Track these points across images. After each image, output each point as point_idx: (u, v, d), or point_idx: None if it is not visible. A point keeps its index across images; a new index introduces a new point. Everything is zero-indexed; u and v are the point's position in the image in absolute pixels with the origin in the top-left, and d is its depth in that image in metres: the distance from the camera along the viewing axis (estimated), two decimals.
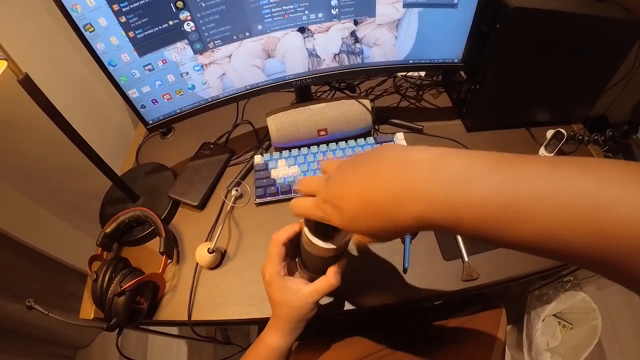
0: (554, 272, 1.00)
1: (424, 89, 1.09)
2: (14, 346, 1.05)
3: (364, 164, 0.42)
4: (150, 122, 0.90)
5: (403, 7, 0.82)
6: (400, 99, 1.08)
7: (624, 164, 0.29)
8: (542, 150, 0.92)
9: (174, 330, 1.26)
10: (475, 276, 0.79)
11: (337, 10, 0.82)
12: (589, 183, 0.28)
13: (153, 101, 0.87)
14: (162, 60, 0.82)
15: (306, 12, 0.81)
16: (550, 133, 0.94)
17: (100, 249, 0.88)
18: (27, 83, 0.70)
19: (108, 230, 0.88)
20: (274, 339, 0.62)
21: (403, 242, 0.83)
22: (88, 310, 0.87)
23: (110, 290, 0.77)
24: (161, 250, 0.84)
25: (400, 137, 0.97)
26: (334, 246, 0.52)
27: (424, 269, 0.81)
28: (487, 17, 0.83)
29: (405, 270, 0.80)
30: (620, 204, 0.26)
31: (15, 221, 1.08)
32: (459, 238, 0.83)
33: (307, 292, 0.59)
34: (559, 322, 1.32)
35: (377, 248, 0.84)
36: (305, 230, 0.53)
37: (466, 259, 0.81)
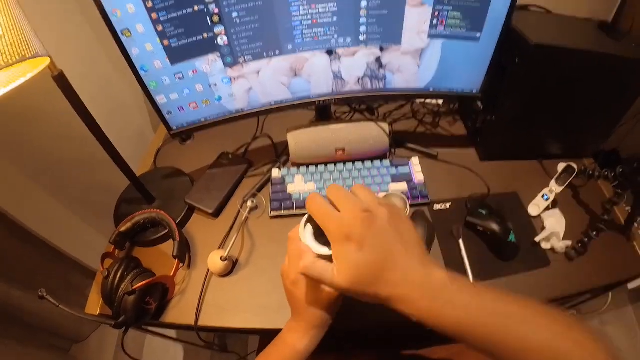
0: (559, 304, 1.02)
1: (441, 116, 1.12)
2: (11, 332, 1.05)
3: (401, 241, 0.45)
4: (175, 128, 0.92)
5: (428, 38, 0.85)
6: (417, 125, 1.10)
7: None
8: (552, 183, 0.94)
9: (172, 333, 1.26)
10: None
11: (365, 36, 0.84)
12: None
13: (179, 108, 0.89)
14: (193, 70, 0.84)
15: (335, 35, 0.84)
16: (561, 166, 0.96)
17: (113, 246, 0.89)
18: (61, 80, 0.72)
19: (123, 229, 0.89)
20: (300, 342, 0.58)
21: None
22: (94, 305, 0.88)
23: (121, 289, 0.78)
24: (174, 254, 0.85)
25: (415, 161, 0.99)
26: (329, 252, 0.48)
27: None
28: (507, 52, 0.86)
29: None
30: None
31: (26, 211, 1.08)
32: (467, 264, 0.85)
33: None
34: None
35: None
36: (306, 226, 0.52)
37: None
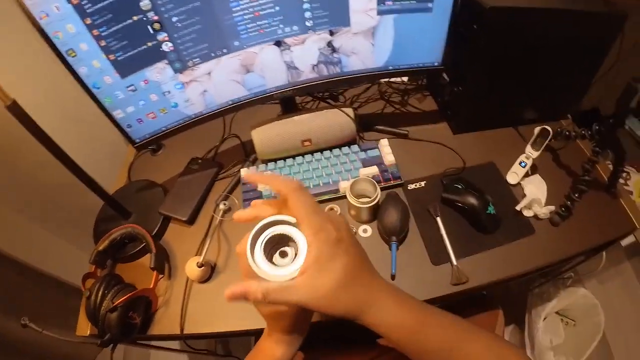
0: (549, 270, 0.98)
1: (409, 94, 1.08)
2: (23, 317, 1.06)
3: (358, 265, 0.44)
4: (137, 140, 0.91)
5: (377, 15, 0.82)
6: (384, 105, 1.07)
7: None
8: (528, 148, 0.90)
9: (176, 344, 1.27)
10: (464, 280, 0.78)
11: (311, 22, 0.82)
12: None
13: (138, 120, 0.88)
14: (144, 81, 0.83)
15: (280, 25, 0.82)
16: (536, 130, 0.92)
17: (94, 266, 0.89)
18: (15, 109, 0.71)
19: (101, 247, 0.89)
20: (277, 350, 0.54)
21: (390, 247, 0.82)
22: (84, 327, 0.88)
23: (103, 307, 0.78)
24: (152, 266, 0.84)
25: (384, 143, 0.96)
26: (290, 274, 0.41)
27: (413, 274, 0.81)
28: (464, 19, 0.83)
29: (393, 277, 0.80)
30: None
31: (12, 240, 1.09)
32: (447, 242, 0.82)
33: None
34: (561, 319, 1.29)
35: None
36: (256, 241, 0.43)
37: (454, 262, 0.80)
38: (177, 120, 0.91)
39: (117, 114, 0.86)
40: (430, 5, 0.81)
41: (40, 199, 1.15)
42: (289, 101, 1.01)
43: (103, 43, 0.75)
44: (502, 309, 0.95)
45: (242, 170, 0.99)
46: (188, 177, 1.02)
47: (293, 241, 0.43)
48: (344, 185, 0.90)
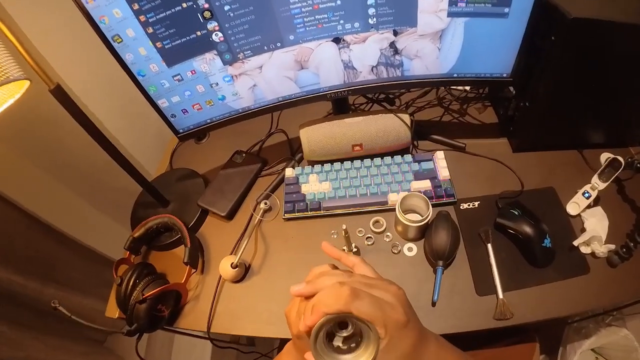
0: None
1: (469, 103, 0.94)
2: (50, 328, 1.05)
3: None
4: (181, 131, 0.83)
5: (447, 17, 0.69)
6: (443, 113, 0.94)
7: None
8: (595, 179, 0.76)
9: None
10: (509, 315, 0.67)
11: (374, 19, 0.70)
12: None
13: (183, 111, 0.80)
14: (191, 71, 0.74)
15: (341, 21, 0.70)
16: (604, 157, 0.77)
17: (128, 252, 0.83)
18: (59, 93, 0.65)
19: (136, 234, 0.83)
20: None
21: (435, 271, 0.71)
22: (114, 309, 0.83)
23: (132, 297, 0.73)
24: (185, 261, 0.78)
25: (440, 156, 0.84)
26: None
27: (455, 302, 0.70)
28: (541, 28, 0.68)
29: (434, 303, 0.69)
30: None
31: (60, 213, 1.07)
32: (496, 272, 0.71)
33: None
34: (596, 357, 1.15)
35: (407, 276, 0.73)
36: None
37: (501, 295, 0.69)
38: (223, 114, 0.82)
39: (162, 103, 0.78)
40: (506, 10, 0.67)
41: (87, 176, 1.10)
42: (341, 101, 0.89)
43: (150, 30, 0.66)
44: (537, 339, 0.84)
45: (286, 170, 0.89)
46: (230, 170, 0.93)
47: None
48: (393, 198, 0.79)
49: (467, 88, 0.94)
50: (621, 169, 0.73)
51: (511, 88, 0.84)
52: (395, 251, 0.76)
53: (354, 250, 0.76)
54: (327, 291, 0.38)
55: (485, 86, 0.88)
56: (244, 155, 0.96)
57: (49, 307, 1.08)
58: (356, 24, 0.71)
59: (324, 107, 0.95)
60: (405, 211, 0.76)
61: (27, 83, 0.60)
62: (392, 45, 0.73)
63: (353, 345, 0.38)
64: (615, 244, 0.70)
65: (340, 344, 0.39)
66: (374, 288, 0.39)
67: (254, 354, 0.98)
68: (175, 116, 0.80)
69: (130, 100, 1.02)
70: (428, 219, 0.73)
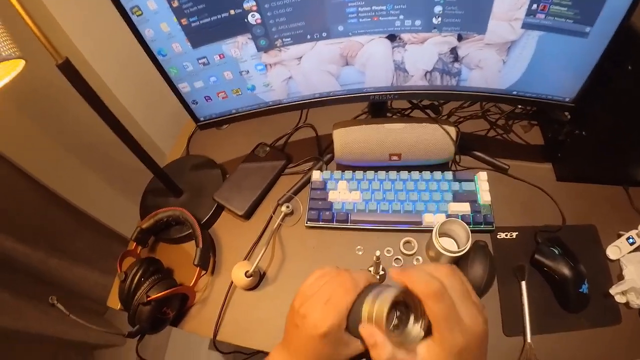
0: None
1: (515, 119, 0.81)
2: (47, 295, 0.97)
3: None
4: (202, 119, 0.70)
5: (521, 28, 0.55)
6: (488, 129, 0.80)
7: None
8: None
9: None
10: None
11: (439, 19, 0.56)
12: None
13: (206, 98, 0.66)
14: (220, 55, 0.60)
15: (401, 16, 0.56)
16: None
17: (135, 243, 0.72)
18: (67, 69, 0.52)
19: (144, 225, 0.72)
20: None
21: None
22: (116, 299, 0.74)
23: (136, 297, 0.62)
24: (195, 262, 0.67)
25: (483, 177, 0.71)
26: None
27: None
28: (617, 55, 0.55)
29: None
30: None
31: (68, 184, 0.95)
32: (526, 313, 0.61)
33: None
34: None
35: None
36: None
37: (529, 339, 0.59)
38: (250, 105, 0.68)
39: (183, 87, 0.64)
40: (587, 29, 0.53)
41: (98, 149, 0.99)
42: (381, 104, 0.76)
43: (176, 3, 0.52)
44: None
45: (314, 172, 0.76)
46: (252, 164, 0.80)
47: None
48: (429, 219, 0.67)
49: (520, 105, 0.80)
50: None
51: (567, 112, 0.72)
52: None
53: (381, 273, 0.65)
54: (423, 275, 0.35)
55: (543, 107, 0.75)
56: (267, 149, 0.82)
57: (51, 278, 0.99)
58: (417, 22, 0.56)
59: (356, 106, 0.81)
60: (441, 235, 0.65)
61: (21, 62, 0.47)
62: (453, 50, 0.59)
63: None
64: None
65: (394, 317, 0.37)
66: (464, 304, 0.34)
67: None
68: (196, 103, 0.67)
69: (149, 75, 0.89)
70: (466, 250, 0.62)
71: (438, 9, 0.55)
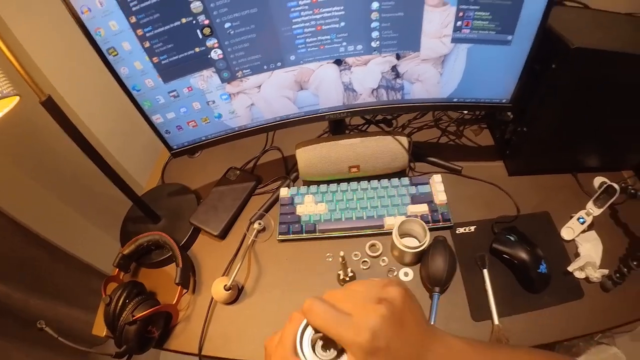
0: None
1: (465, 125, 0.92)
2: (33, 339, 0.99)
3: (418, 322, 0.35)
4: (175, 147, 0.78)
5: (451, 42, 0.66)
6: (440, 135, 0.91)
7: None
8: (590, 205, 0.74)
9: None
10: (504, 341, 0.64)
11: (378, 42, 0.66)
12: None
13: (178, 127, 0.75)
14: (188, 88, 0.69)
15: (344, 43, 0.66)
16: (598, 181, 0.76)
17: (117, 269, 0.78)
18: (50, 105, 0.60)
19: (126, 251, 0.78)
20: None
21: (431, 297, 0.68)
22: (100, 327, 0.78)
23: (122, 317, 0.68)
24: (177, 281, 0.73)
25: (437, 179, 0.80)
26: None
27: (450, 327, 0.66)
28: (542, 56, 0.66)
29: None
30: None
31: (47, 222, 1.00)
32: (491, 298, 0.68)
33: None
34: None
35: None
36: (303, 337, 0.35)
37: (496, 321, 0.66)
38: (218, 132, 0.77)
39: (156, 119, 0.73)
40: (509, 37, 0.64)
41: (76, 184, 1.04)
42: (339, 122, 0.85)
43: (147, 44, 0.62)
44: None
45: (281, 189, 0.85)
46: (224, 187, 0.88)
47: None
48: (390, 222, 0.76)
49: (465, 111, 0.91)
50: (616, 196, 0.71)
51: (509, 113, 0.82)
52: (391, 276, 0.73)
53: (350, 274, 0.72)
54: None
55: (484, 111, 0.86)
56: (237, 172, 0.91)
57: (33, 317, 1.02)
58: (359, 47, 0.67)
59: (319, 126, 0.91)
60: (402, 235, 0.73)
61: (16, 99, 0.55)
62: (394, 68, 0.70)
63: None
64: (609, 268, 0.68)
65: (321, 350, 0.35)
66: (346, 301, 0.34)
67: None
68: (169, 132, 0.75)
69: (123, 111, 0.97)
70: (425, 245, 0.70)
71: (375, 33, 0.65)
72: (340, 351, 0.33)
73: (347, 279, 0.72)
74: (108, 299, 0.70)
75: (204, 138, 0.78)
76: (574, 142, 0.78)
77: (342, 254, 0.65)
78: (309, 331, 0.35)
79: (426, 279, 0.70)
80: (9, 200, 0.92)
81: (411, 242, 0.74)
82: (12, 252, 0.96)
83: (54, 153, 0.96)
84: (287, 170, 0.92)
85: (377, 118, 0.87)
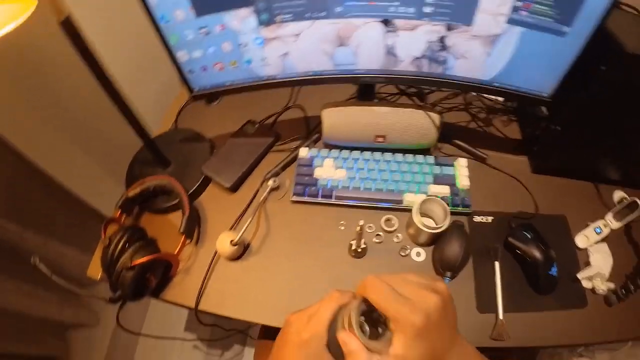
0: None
1: (496, 114, 0.89)
2: (25, 273, 0.96)
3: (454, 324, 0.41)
4: (196, 89, 0.74)
5: (506, 23, 0.62)
6: (470, 120, 0.88)
7: None
8: (609, 217, 0.73)
9: None
10: (506, 337, 0.64)
11: (431, 8, 0.62)
12: None
13: (202, 68, 0.71)
14: (221, 25, 0.64)
15: (396, 2, 0.62)
16: (617, 195, 0.76)
17: (119, 211, 0.75)
18: (69, 26, 0.55)
19: (131, 194, 0.75)
20: None
21: None
22: (96, 269, 0.76)
23: (120, 262, 0.65)
24: (181, 230, 0.71)
25: (462, 163, 0.78)
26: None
27: None
28: (592, 56, 0.63)
29: None
30: None
31: (49, 156, 0.96)
32: (499, 292, 0.67)
33: None
34: None
35: None
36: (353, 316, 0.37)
37: (501, 316, 0.65)
38: (245, 78, 0.73)
39: (181, 56, 0.68)
40: (565, 29, 0.61)
41: (84, 122, 0.99)
42: (369, 88, 0.82)
43: None
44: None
45: (301, 149, 0.82)
46: (240, 139, 0.85)
47: None
48: (409, 199, 0.74)
49: (500, 99, 0.88)
50: (637, 213, 0.71)
51: (543, 108, 0.80)
52: (403, 254, 0.72)
53: (363, 246, 0.70)
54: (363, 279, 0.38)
55: (521, 101, 0.83)
56: (256, 126, 0.87)
57: (26, 252, 0.99)
58: (410, 10, 0.63)
59: (345, 90, 0.87)
60: (421, 214, 0.71)
61: (33, 5, 0.50)
62: (442, 40, 0.66)
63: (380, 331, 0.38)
64: (615, 283, 0.68)
65: (367, 328, 0.38)
66: (406, 286, 0.37)
67: (230, 330, 0.93)
68: (192, 72, 0.71)
69: (142, 46, 0.92)
70: (444, 228, 0.68)
71: None
72: (379, 334, 0.37)
73: (359, 250, 0.70)
74: (107, 241, 0.67)
75: (228, 83, 0.74)
76: (603, 151, 0.77)
77: (361, 222, 0.63)
78: (349, 312, 0.38)
79: (439, 262, 0.69)
80: (11, 130, 0.87)
81: (428, 222, 0.72)
82: (10, 183, 0.92)
83: (63, 86, 0.91)
84: (309, 130, 0.88)
85: (410, 90, 0.83)
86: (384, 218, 0.74)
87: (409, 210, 0.74)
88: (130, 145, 0.86)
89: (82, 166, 1.06)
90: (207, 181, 0.81)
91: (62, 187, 1.03)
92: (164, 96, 0.99)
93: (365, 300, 0.37)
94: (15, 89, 0.86)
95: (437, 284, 0.39)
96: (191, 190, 0.78)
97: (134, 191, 0.75)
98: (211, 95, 0.76)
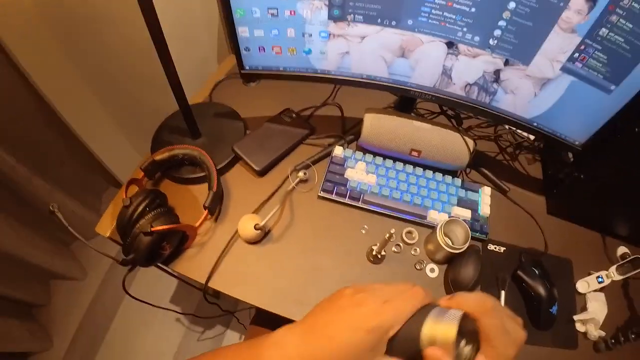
0: None
1: (522, 150, 0.93)
2: (25, 217, 0.93)
3: None
4: (247, 68, 0.74)
5: (560, 70, 0.66)
6: (498, 152, 0.92)
7: None
8: (613, 270, 0.78)
9: None
10: None
11: (496, 41, 0.65)
12: None
13: (260, 48, 0.71)
14: (291, 11, 0.65)
15: (465, 29, 0.64)
16: (620, 251, 0.82)
17: (143, 174, 0.74)
18: None
19: (158, 157, 0.74)
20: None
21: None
22: (106, 226, 0.75)
23: (138, 225, 0.64)
24: (206, 205, 0.70)
25: (487, 191, 0.82)
26: None
27: None
28: (630, 116, 0.67)
29: None
30: None
31: (74, 110, 0.93)
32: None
33: None
34: None
35: None
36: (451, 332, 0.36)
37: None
38: (299, 67, 0.74)
39: (242, 32, 0.68)
40: (612, 87, 0.64)
41: (117, 85, 0.97)
42: (409, 101, 0.84)
43: None
44: None
45: (336, 147, 0.83)
46: (276, 126, 0.85)
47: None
48: (433, 216, 0.76)
49: (531, 137, 0.92)
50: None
51: (570, 154, 0.84)
52: (419, 267, 0.74)
53: (383, 253, 0.72)
54: (475, 295, 0.40)
55: (552, 143, 0.87)
56: (293, 115, 0.88)
57: (31, 197, 0.95)
58: (476, 38, 0.65)
59: (385, 97, 0.89)
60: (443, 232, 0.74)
61: None
62: (497, 72, 0.69)
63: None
64: (606, 332, 0.72)
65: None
66: (508, 319, 0.39)
67: (215, 307, 0.92)
68: (249, 50, 0.71)
69: (189, 16, 0.90)
70: (464, 249, 0.71)
71: (497, 32, 0.64)
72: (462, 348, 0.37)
73: (379, 256, 0.72)
74: (128, 201, 0.66)
75: (281, 68, 0.74)
76: (617, 207, 0.81)
77: (392, 231, 0.64)
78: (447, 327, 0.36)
79: (451, 282, 0.72)
80: (44, 78, 0.84)
81: (448, 241, 0.75)
82: (30, 127, 0.89)
83: (104, 45, 0.88)
84: (344, 130, 0.89)
85: (449, 112, 0.86)
86: (405, 230, 0.77)
87: (430, 227, 0.76)
88: (157, 115, 0.84)
89: (104, 125, 1.04)
90: (235, 160, 0.81)
91: (79, 140, 1.00)
92: (200, 71, 0.98)
93: (465, 317, 0.37)
94: (61, 40, 0.83)
95: (519, 319, 0.41)
96: (220, 166, 0.78)
97: (161, 155, 0.74)
98: (256, 76, 0.76)
